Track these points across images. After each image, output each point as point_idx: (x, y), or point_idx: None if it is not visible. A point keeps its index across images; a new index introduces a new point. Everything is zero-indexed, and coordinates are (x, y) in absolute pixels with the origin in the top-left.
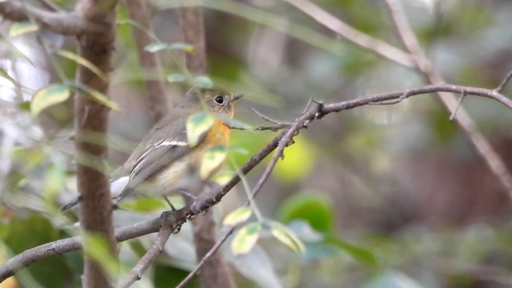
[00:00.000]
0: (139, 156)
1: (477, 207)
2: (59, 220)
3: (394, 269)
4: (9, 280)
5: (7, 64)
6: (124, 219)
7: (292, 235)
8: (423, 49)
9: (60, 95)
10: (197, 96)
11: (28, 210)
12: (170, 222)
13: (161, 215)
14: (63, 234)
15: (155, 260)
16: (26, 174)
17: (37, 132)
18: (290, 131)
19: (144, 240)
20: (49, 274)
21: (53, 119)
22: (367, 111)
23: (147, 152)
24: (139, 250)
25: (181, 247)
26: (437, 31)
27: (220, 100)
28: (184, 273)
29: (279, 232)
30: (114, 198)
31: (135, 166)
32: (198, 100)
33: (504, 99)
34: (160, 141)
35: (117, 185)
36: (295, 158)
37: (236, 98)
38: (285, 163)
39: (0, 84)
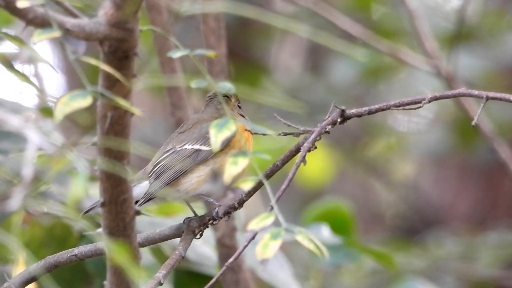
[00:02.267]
0: (160, 158)
1: (499, 212)
2: (79, 226)
3: (416, 274)
4: (31, 286)
5: (30, 69)
6: (145, 224)
7: (316, 240)
8: (444, 54)
9: (83, 101)
10: (221, 100)
11: (49, 215)
12: (193, 228)
13: (183, 220)
14: (82, 239)
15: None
16: (49, 180)
17: (59, 138)
18: (312, 136)
19: (164, 245)
20: (69, 279)
21: (75, 125)
22: (389, 117)
23: (168, 154)
24: (159, 255)
25: (202, 251)
26: (459, 36)
27: (239, 106)
28: (205, 277)
29: (303, 237)
30: (136, 201)
31: (154, 167)
32: (220, 105)
33: None
34: (183, 144)
35: (140, 189)
36: (317, 164)
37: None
38: (308, 169)
39: (23, 89)
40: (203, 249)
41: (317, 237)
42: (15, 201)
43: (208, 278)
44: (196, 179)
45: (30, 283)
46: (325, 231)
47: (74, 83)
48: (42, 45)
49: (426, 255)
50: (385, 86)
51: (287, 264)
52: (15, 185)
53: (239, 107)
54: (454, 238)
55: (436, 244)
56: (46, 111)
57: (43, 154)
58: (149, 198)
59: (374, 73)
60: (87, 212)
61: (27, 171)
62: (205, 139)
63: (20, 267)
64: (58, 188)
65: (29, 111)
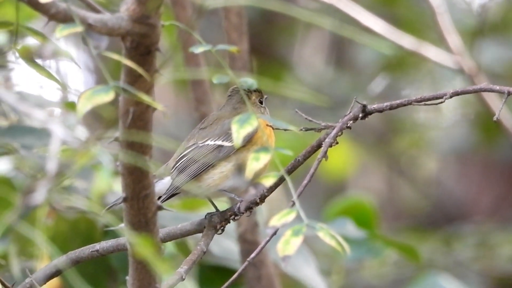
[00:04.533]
0: (181, 153)
1: None
2: (103, 220)
3: (438, 269)
4: (54, 281)
5: (53, 65)
6: (167, 219)
7: (337, 237)
8: (468, 48)
9: (105, 96)
10: (242, 96)
11: (73, 210)
12: (214, 223)
13: (205, 216)
14: (106, 234)
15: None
16: (73, 174)
17: (83, 132)
18: (333, 132)
19: (188, 238)
20: (93, 274)
21: (99, 120)
22: (413, 112)
23: (189, 150)
24: (183, 248)
25: (225, 245)
26: (482, 30)
27: (261, 102)
28: (228, 271)
29: (325, 234)
30: (159, 197)
31: (176, 163)
32: (243, 101)
33: None
34: (205, 140)
35: (162, 184)
36: (340, 159)
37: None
38: (331, 163)
39: (46, 84)
40: (227, 244)
41: (340, 232)
42: (40, 196)
43: (231, 272)
44: (218, 175)
45: (54, 277)
46: (350, 226)
47: (97, 79)
48: (65, 40)
49: (447, 249)
50: (408, 81)
51: (311, 258)
52: (39, 179)
53: (261, 102)
54: (477, 234)
55: (458, 239)
56: (70, 105)
57: (67, 148)
58: (171, 193)
59: (398, 67)
60: (109, 208)
61: (51, 166)
62: (227, 135)
63: (44, 262)
64: (82, 183)
65: (53, 105)
